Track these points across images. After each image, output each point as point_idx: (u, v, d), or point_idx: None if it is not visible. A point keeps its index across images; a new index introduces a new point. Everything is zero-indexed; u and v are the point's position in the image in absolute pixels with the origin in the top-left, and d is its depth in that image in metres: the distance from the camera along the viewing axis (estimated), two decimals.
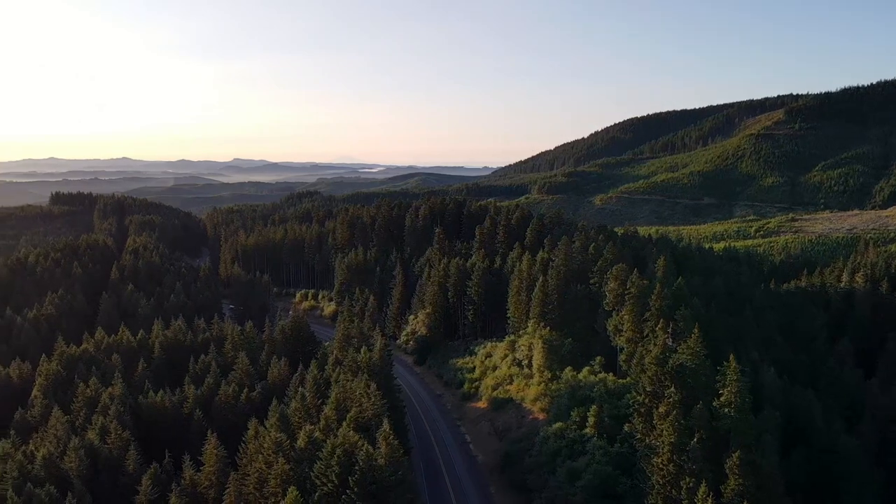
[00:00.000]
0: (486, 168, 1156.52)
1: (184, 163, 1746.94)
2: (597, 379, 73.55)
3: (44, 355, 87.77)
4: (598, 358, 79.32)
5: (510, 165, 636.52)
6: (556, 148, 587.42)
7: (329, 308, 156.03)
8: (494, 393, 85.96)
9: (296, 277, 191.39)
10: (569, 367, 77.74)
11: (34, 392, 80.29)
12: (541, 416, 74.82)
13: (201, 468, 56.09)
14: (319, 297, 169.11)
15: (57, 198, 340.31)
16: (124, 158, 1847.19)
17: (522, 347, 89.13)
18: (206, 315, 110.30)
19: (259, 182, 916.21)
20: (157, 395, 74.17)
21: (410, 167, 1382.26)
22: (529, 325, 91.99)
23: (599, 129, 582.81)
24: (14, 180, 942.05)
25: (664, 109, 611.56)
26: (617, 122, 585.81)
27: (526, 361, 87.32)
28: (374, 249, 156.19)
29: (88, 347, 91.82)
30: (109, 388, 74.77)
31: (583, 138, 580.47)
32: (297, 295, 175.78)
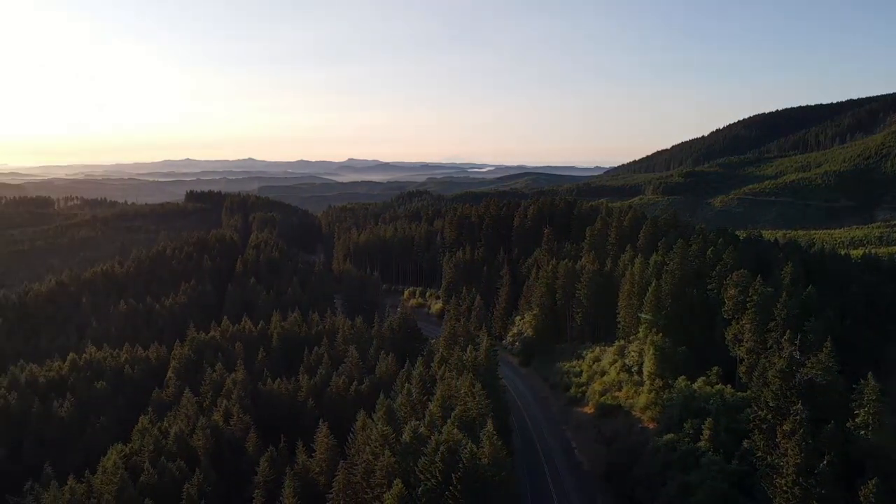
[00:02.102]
0: (597, 168, 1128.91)
1: (302, 163, 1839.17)
2: (713, 390, 69.51)
3: (178, 340, 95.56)
4: (715, 368, 74.97)
5: (623, 165, 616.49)
6: (673, 147, 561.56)
7: (436, 306, 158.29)
8: (602, 399, 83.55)
9: (404, 275, 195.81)
10: (682, 377, 73.96)
11: (169, 373, 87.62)
12: (651, 426, 71.83)
13: (313, 454, 58.62)
14: (427, 294, 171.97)
15: (191, 196, 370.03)
16: (250, 159, 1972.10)
17: (633, 353, 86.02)
18: (319, 309, 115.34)
19: (371, 181, 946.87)
20: (274, 382, 78.51)
21: (520, 167, 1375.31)
22: (640, 330, 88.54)
23: (721, 127, 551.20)
24: (156, 180, 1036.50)
25: (795, 105, 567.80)
26: (741, 118, 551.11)
27: (636, 368, 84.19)
28: (481, 249, 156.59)
29: (215, 335, 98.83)
30: (233, 374, 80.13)
31: (702, 137, 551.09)
32: (406, 292, 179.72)
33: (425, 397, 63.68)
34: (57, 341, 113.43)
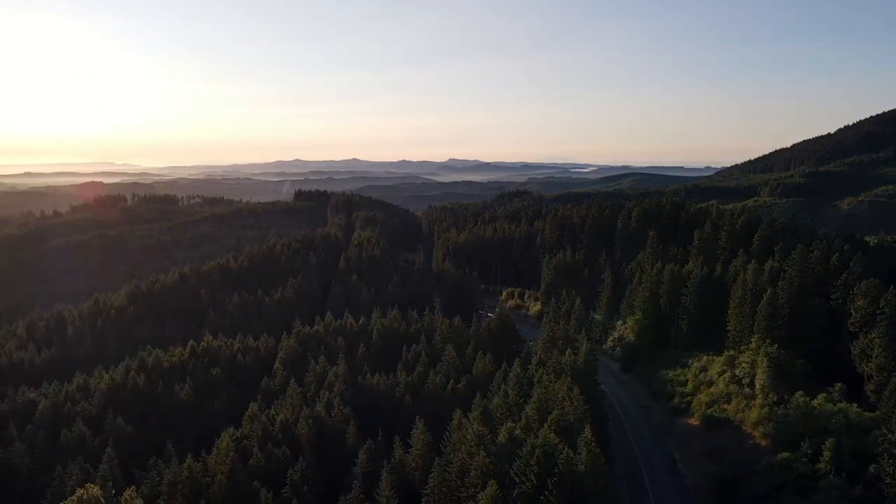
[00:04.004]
0: (707, 168, 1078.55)
1: (404, 163, 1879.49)
2: (836, 408, 64.37)
3: (284, 332, 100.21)
4: (838, 384, 69.38)
5: (736, 165, 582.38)
6: (794, 146, 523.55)
7: (535, 308, 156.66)
8: (708, 410, 79.37)
9: (503, 275, 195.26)
10: (800, 392, 68.99)
11: (276, 364, 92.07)
12: (763, 442, 67.48)
13: (409, 450, 59.49)
14: (525, 296, 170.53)
15: (299, 195, 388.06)
16: (354, 159, 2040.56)
17: (743, 364, 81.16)
18: (418, 307, 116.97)
19: (471, 181, 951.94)
20: (373, 377, 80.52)
21: (624, 167, 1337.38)
22: (753, 340, 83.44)
23: (850, 123, 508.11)
24: (268, 179, 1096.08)
25: None
26: (874, 114, 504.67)
27: (747, 380, 79.36)
28: (582, 251, 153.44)
29: (319, 329, 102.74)
30: (335, 367, 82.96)
31: (828, 134, 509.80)
32: (504, 293, 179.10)
33: (522, 399, 63.01)
34: (179, 329, 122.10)
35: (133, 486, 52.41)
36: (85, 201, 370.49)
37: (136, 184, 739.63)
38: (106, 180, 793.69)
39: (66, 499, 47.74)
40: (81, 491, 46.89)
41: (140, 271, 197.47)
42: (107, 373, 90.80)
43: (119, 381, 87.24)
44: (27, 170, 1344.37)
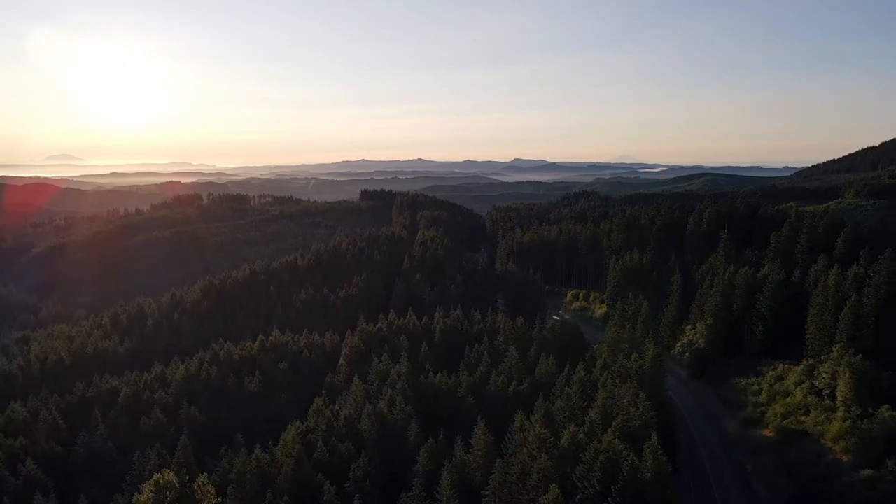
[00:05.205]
0: (786, 168, 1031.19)
1: (469, 163, 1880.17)
2: None
3: (349, 330, 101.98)
4: None
5: (818, 165, 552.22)
6: (883, 144, 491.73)
7: (600, 310, 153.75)
8: (784, 422, 75.71)
9: (568, 277, 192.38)
10: (886, 406, 64.89)
11: (341, 360, 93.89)
12: (844, 458, 63.82)
13: (471, 450, 59.40)
14: (591, 298, 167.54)
15: (365, 195, 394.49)
16: (419, 159, 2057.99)
17: (824, 375, 76.94)
18: (481, 307, 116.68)
19: (537, 181, 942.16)
20: (435, 376, 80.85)
21: (695, 167, 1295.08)
22: (834, 349, 79.01)
23: None
24: (334, 179, 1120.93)
25: None
26: None
27: (827, 391, 75.21)
28: (650, 253, 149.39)
29: (382, 327, 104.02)
30: (397, 365, 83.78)
31: None
32: (568, 294, 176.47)
33: (585, 403, 61.94)
34: (249, 324, 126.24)
35: (205, 474, 54.56)
36: (165, 200, 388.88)
37: (211, 183, 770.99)
38: (184, 180, 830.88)
39: (145, 483, 50.18)
40: (158, 476, 49.19)
41: (214, 267, 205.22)
42: (182, 364, 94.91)
43: (193, 372, 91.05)
44: (114, 170, 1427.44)
